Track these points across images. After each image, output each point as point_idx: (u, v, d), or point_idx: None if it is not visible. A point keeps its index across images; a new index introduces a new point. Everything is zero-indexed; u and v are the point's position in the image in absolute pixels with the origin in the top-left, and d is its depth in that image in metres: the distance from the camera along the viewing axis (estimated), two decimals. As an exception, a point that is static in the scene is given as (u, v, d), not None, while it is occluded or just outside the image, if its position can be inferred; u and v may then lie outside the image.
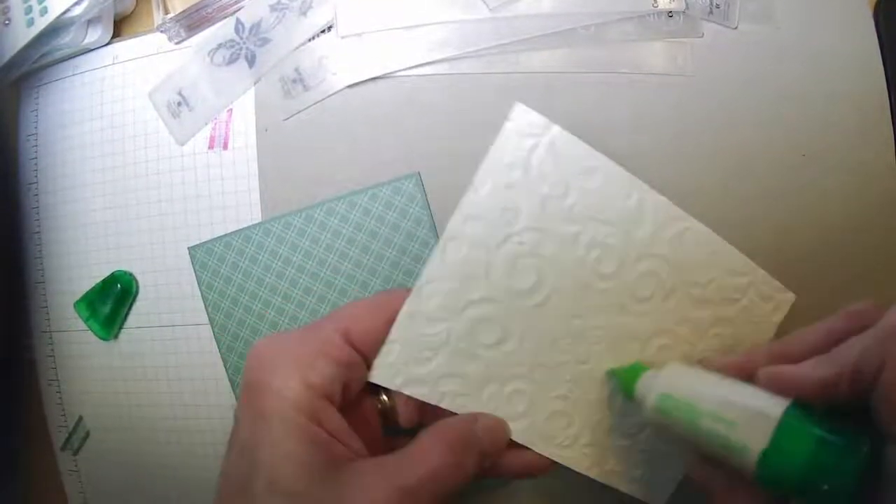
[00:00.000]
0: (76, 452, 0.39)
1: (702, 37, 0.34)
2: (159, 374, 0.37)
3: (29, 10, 0.36)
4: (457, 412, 0.26)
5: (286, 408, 0.22)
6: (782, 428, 0.20)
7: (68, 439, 0.39)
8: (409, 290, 0.26)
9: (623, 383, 0.27)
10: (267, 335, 0.26)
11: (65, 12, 0.35)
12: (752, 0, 0.34)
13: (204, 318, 0.36)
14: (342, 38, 0.35)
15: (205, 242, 0.36)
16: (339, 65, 0.35)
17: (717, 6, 0.34)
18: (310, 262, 0.34)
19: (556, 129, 0.27)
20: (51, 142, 0.40)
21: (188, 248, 0.36)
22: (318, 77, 0.35)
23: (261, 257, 0.35)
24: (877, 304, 0.22)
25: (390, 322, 0.25)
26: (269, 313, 0.35)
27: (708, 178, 0.33)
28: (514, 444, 0.27)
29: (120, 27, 0.39)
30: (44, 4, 0.35)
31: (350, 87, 0.35)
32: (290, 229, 0.35)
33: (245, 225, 0.35)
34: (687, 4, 0.33)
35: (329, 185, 0.35)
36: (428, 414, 0.27)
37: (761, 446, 0.20)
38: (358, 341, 0.24)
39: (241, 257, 0.35)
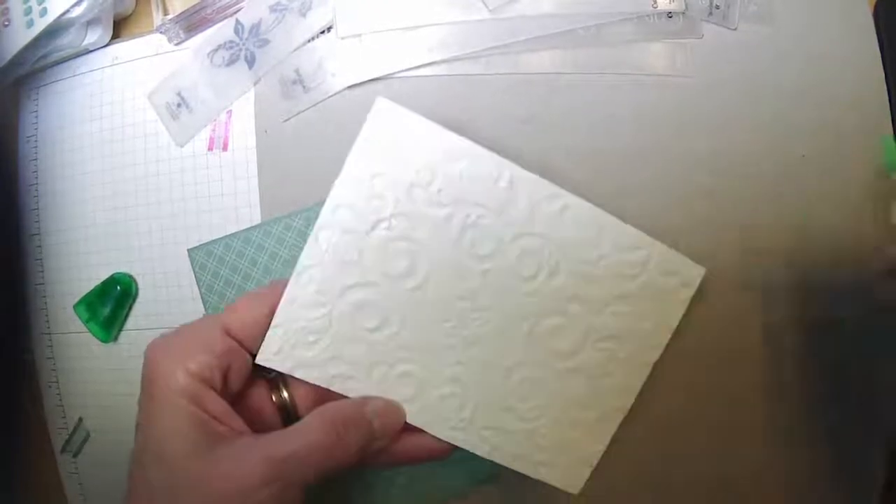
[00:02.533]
0: (76, 454, 0.39)
1: (701, 38, 0.34)
2: (159, 375, 0.37)
3: (28, 11, 0.36)
4: (348, 395, 0.27)
5: (170, 392, 0.24)
6: None
7: (68, 441, 0.39)
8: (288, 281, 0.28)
9: None
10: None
11: (64, 13, 0.35)
12: (751, 1, 0.34)
13: (203, 319, 0.36)
14: (342, 39, 0.35)
15: (204, 244, 0.36)
16: (339, 66, 0.35)
17: (717, 7, 0.34)
18: (309, 264, 0.34)
19: (416, 117, 0.28)
20: (50, 143, 0.39)
21: (188, 249, 0.36)
22: (317, 78, 0.35)
23: (260, 259, 0.35)
24: None
25: (270, 311, 0.27)
26: (269, 315, 0.35)
27: (707, 179, 0.33)
28: (412, 429, 0.28)
29: (119, 28, 0.39)
30: (43, 5, 0.35)
31: (350, 88, 0.35)
32: (290, 231, 0.35)
33: (244, 226, 0.35)
34: (686, 5, 0.33)
35: (329, 186, 0.35)
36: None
37: None
38: (237, 331, 0.27)
39: (241, 259, 0.35)
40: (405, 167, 0.27)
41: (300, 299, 0.27)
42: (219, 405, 0.25)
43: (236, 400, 0.27)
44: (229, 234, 0.35)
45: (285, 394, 0.28)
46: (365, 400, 0.27)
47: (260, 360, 0.27)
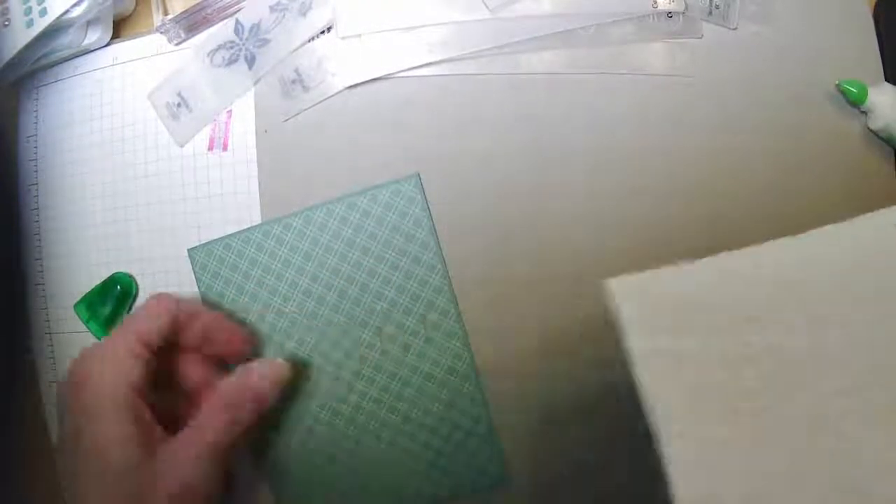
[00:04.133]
0: (76, 454, 0.39)
1: (701, 37, 0.34)
2: (159, 375, 0.37)
3: (28, 11, 0.36)
4: None
5: (111, 405, 0.27)
6: None
7: (68, 440, 0.39)
8: (169, 296, 0.31)
9: None
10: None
11: (64, 13, 0.35)
12: (751, 1, 0.34)
13: (203, 319, 0.36)
14: (342, 38, 0.35)
15: (204, 244, 0.36)
16: (339, 66, 0.35)
17: (717, 7, 0.34)
18: (309, 264, 0.34)
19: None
20: (51, 143, 0.39)
21: (188, 249, 0.36)
22: (317, 78, 0.35)
23: (260, 259, 0.35)
24: None
25: (171, 319, 0.30)
26: (268, 315, 0.35)
27: (706, 179, 0.33)
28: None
29: (119, 28, 0.39)
30: (43, 5, 0.35)
31: (350, 88, 0.35)
32: (290, 231, 0.35)
33: (245, 226, 0.35)
34: (686, 5, 0.33)
35: (328, 186, 0.35)
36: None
37: None
38: (147, 339, 0.29)
39: (241, 259, 0.35)
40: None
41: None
42: (147, 411, 0.28)
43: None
44: (229, 234, 0.35)
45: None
46: (249, 370, 0.31)
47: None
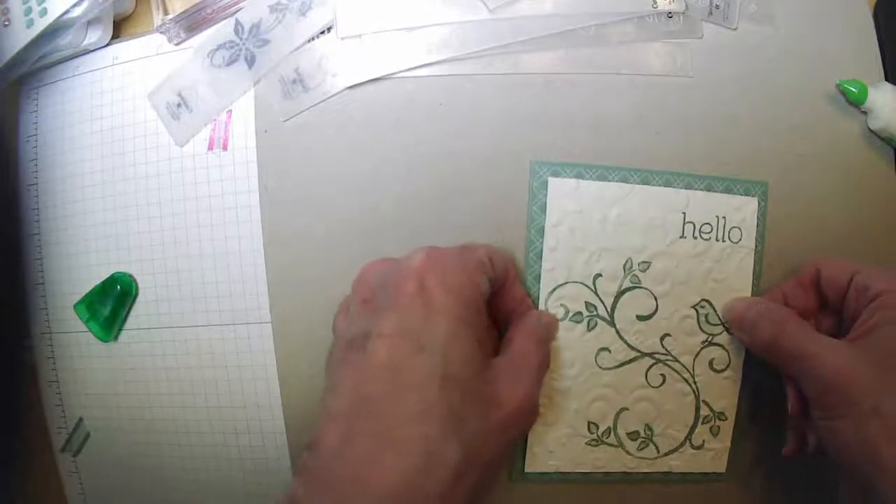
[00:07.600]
0: (76, 454, 0.39)
1: (701, 37, 0.34)
2: (159, 375, 0.37)
3: (28, 11, 0.36)
4: None
5: (461, 306, 0.26)
6: None
7: (68, 441, 0.39)
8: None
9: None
10: (421, 249, 0.28)
11: (64, 13, 0.35)
12: (751, 1, 0.34)
13: (202, 319, 0.36)
14: (342, 39, 0.35)
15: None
16: (339, 66, 0.35)
17: (717, 7, 0.34)
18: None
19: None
20: (51, 143, 0.39)
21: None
22: (317, 78, 0.35)
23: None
24: None
25: (510, 267, 0.31)
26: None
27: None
28: None
29: (119, 28, 0.39)
30: (43, 5, 0.35)
31: (350, 88, 0.35)
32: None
33: (244, 226, 0.35)
34: (687, 5, 0.33)
35: (329, 186, 0.35)
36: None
37: None
38: (493, 266, 0.29)
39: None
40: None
41: None
42: (487, 325, 0.29)
43: None
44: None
45: None
46: (538, 315, 0.32)
47: None
